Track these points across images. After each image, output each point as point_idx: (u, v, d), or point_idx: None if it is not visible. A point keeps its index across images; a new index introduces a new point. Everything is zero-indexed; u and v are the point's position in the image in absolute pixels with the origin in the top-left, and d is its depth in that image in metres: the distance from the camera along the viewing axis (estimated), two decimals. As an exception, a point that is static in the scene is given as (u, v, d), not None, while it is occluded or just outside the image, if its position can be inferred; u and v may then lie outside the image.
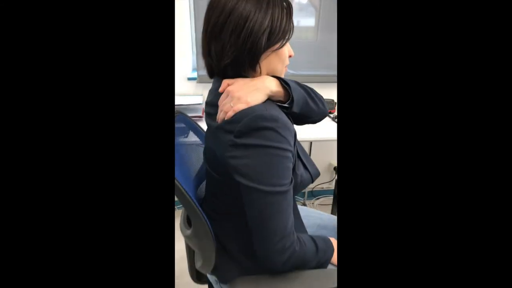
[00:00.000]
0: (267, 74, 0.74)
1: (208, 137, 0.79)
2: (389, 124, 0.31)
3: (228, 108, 0.68)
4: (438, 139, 0.28)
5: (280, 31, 0.68)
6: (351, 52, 0.33)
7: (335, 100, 1.90)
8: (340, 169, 0.41)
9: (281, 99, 0.73)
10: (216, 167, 0.77)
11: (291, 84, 0.73)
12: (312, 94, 0.79)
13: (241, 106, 0.66)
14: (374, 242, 0.29)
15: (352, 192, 0.32)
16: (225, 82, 0.72)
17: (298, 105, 0.73)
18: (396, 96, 0.31)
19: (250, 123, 0.64)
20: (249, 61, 0.70)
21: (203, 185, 0.98)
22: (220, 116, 0.70)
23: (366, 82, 0.32)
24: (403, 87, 0.30)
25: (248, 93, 0.68)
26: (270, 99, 0.71)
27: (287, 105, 0.73)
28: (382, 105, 0.32)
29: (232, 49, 0.67)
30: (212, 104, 0.76)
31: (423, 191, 0.28)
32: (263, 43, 0.67)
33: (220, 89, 0.72)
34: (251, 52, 0.68)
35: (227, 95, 0.70)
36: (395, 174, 0.30)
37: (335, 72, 1.94)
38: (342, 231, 0.34)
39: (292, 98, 0.72)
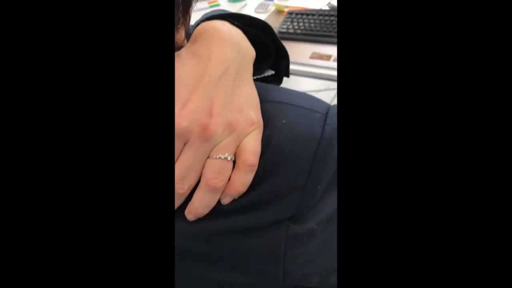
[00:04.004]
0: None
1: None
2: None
3: (215, 173, 0.26)
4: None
5: None
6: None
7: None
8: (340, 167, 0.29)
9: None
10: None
11: (258, 23, 0.33)
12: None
13: (250, 151, 0.27)
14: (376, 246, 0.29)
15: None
16: None
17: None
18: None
19: (319, 176, 0.28)
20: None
21: None
22: (196, 208, 0.27)
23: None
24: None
25: (228, 98, 0.27)
26: None
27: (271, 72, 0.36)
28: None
29: None
30: None
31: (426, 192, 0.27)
32: None
33: None
34: None
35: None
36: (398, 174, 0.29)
37: None
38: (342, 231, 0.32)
39: (281, 50, 0.35)
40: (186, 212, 0.27)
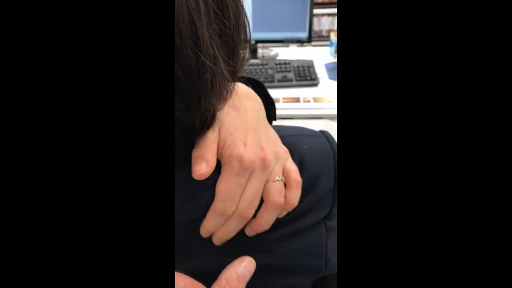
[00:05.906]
0: None
1: None
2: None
3: (278, 192, 0.32)
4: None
5: None
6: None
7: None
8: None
9: None
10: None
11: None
12: None
13: (295, 172, 0.34)
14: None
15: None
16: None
17: None
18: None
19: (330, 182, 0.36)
20: None
21: None
22: (262, 226, 0.32)
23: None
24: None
25: (266, 136, 0.35)
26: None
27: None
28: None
29: None
30: None
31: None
32: None
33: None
34: None
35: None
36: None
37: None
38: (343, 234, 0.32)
39: (269, 101, 0.44)
40: (249, 229, 0.32)
